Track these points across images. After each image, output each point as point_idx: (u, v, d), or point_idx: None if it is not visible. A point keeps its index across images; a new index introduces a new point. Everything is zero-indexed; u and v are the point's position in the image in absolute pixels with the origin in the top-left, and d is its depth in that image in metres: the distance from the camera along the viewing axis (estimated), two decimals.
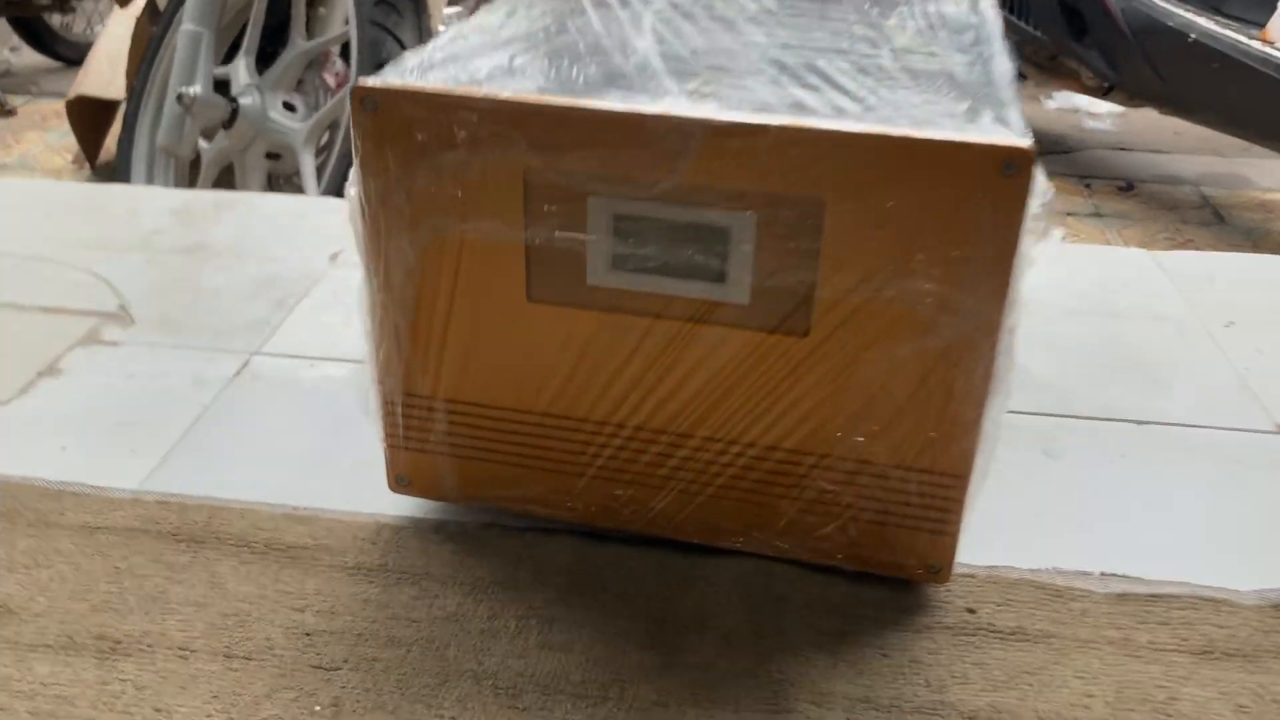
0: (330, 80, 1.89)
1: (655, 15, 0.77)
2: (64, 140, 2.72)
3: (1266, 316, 1.07)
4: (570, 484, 0.72)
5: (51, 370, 0.93)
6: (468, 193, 0.64)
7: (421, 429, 0.73)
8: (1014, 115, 0.60)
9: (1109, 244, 2.31)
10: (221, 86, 1.82)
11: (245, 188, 1.83)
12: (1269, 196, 2.59)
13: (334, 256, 1.15)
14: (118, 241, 1.18)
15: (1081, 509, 0.79)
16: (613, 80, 0.64)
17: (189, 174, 1.89)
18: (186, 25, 1.72)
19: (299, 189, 1.74)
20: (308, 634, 0.67)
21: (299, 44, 1.80)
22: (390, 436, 0.74)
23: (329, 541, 0.74)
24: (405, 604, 0.69)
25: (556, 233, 0.64)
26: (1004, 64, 0.70)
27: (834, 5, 0.82)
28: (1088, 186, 2.66)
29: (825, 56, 0.69)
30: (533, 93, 0.62)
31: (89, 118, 2.39)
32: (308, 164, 1.74)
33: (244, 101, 1.78)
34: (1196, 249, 2.32)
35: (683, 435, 0.69)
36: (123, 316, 1.02)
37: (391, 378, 0.71)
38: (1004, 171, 0.57)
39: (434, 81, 0.63)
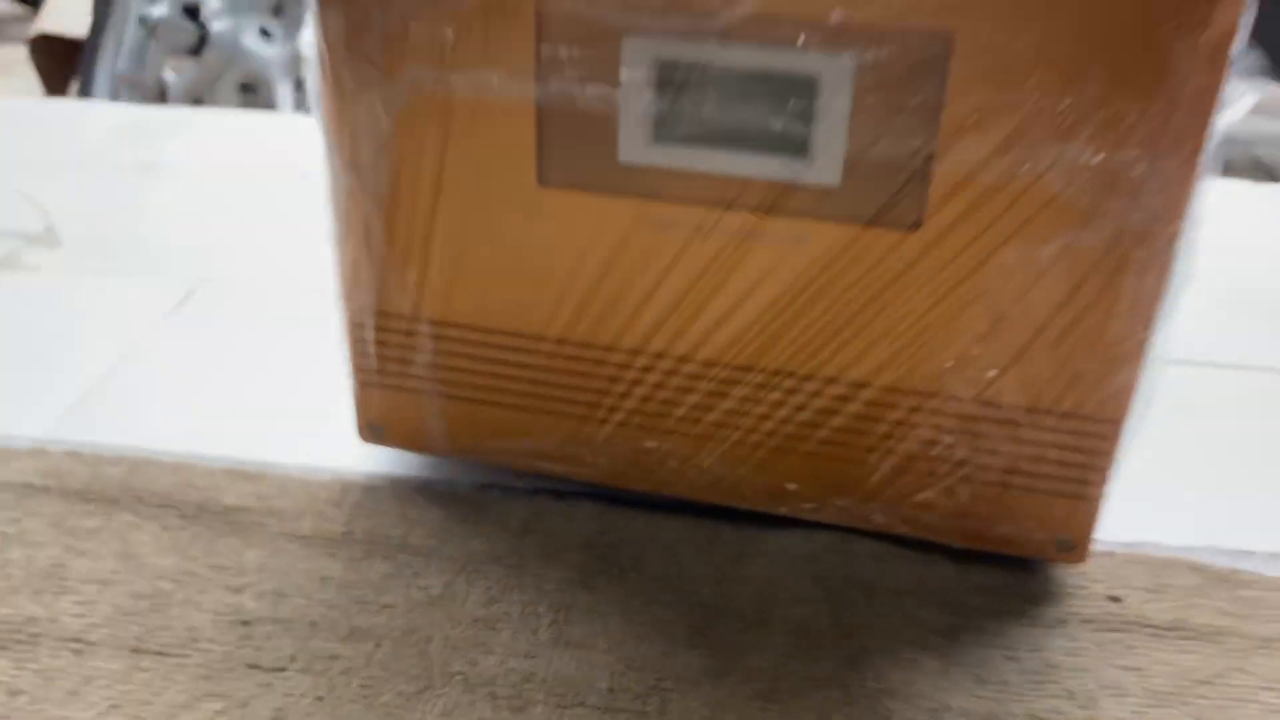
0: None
1: None
2: (31, 85, 2.54)
3: None
4: (593, 433, 0.56)
5: None
6: (460, 32, 0.47)
7: (400, 361, 0.56)
8: None
9: None
10: (192, 13, 1.64)
11: None
12: None
13: (306, 175, 0.98)
14: (53, 159, 1.01)
15: (1234, 473, 0.63)
16: None
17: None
18: None
19: None
20: (245, 623, 0.50)
21: None
22: (360, 371, 0.57)
23: (280, 503, 0.58)
24: (376, 585, 0.53)
25: (579, 88, 0.48)
26: None
27: None
28: None
29: None
30: None
31: (52, 57, 2.21)
32: (285, 97, 1.57)
33: (214, 26, 1.60)
34: None
35: (741, 369, 0.52)
36: (48, 239, 0.85)
37: (361, 291, 0.55)
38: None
39: None
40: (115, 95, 1.69)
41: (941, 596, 0.53)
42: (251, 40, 1.60)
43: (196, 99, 1.67)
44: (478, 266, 0.53)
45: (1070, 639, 0.51)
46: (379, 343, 0.56)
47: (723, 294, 0.51)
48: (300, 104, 1.52)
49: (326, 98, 0.50)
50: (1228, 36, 0.41)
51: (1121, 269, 0.46)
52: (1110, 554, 0.56)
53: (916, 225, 0.47)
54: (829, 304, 0.50)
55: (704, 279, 0.50)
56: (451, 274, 0.53)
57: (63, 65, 2.27)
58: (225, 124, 1.10)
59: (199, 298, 0.78)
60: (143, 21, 1.53)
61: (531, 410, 0.56)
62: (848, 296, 0.49)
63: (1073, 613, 0.52)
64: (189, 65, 1.61)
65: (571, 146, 0.49)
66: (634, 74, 0.47)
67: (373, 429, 0.59)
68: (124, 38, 1.60)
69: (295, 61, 1.57)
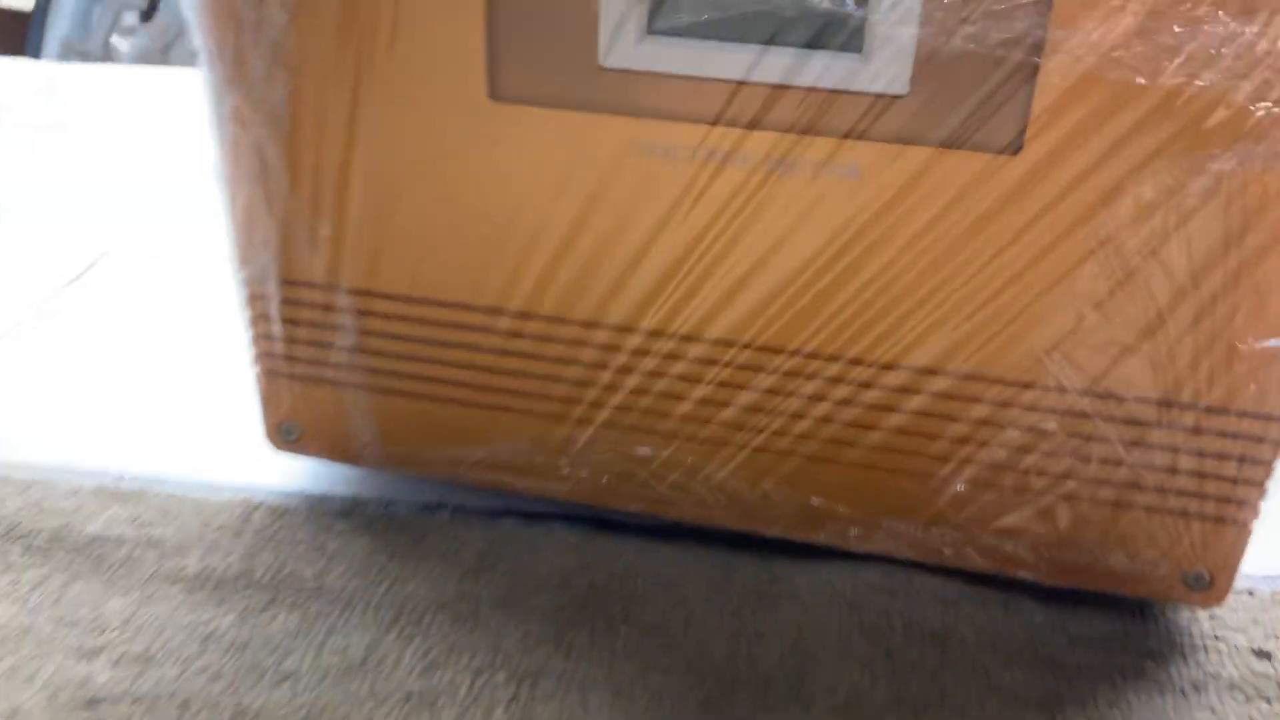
0: None
1: None
2: None
3: None
4: (569, 436, 0.42)
5: None
6: None
7: (316, 344, 0.43)
8: None
9: None
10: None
11: None
12: None
13: None
14: None
15: None
16: None
17: None
18: None
19: None
20: (92, 702, 0.37)
21: None
22: (264, 357, 0.44)
23: (161, 532, 0.44)
24: (277, 645, 0.39)
25: None
26: None
27: None
28: None
29: None
30: None
31: (4, 32, 2.07)
32: None
33: None
34: None
35: (766, 351, 0.39)
36: None
37: (259, 252, 0.41)
38: None
39: None
40: (64, 61, 1.55)
41: (1033, 653, 0.40)
42: None
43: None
44: (413, 216, 0.39)
45: (1208, 710, 0.38)
46: (287, 320, 0.42)
47: (741, 249, 0.37)
48: None
49: None
50: None
51: None
52: (1253, 593, 0.43)
53: (1016, 148, 0.34)
54: (889, 261, 0.36)
55: (716, 228, 0.37)
56: (378, 227, 0.40)
57: (8, 40, 2.13)
58: (151, 81, 0.96)
59: (99, 271, 0.64)
60: None
61: (488, 407, 0.43)
62: (916, 249, 0.36)
63: (1210, 674, 0.39)
64: (140, 31, 1.47)
65: (535, 45, 0.36)
66: None
67: (284, 432, 0.45)
68: (67, 2, 1.46)
69: None
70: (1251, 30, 0.30)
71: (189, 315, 0.60)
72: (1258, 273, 0.34)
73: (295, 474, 0.47)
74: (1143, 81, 0.32)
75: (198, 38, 0.38)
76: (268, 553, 0.43)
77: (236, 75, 0.38)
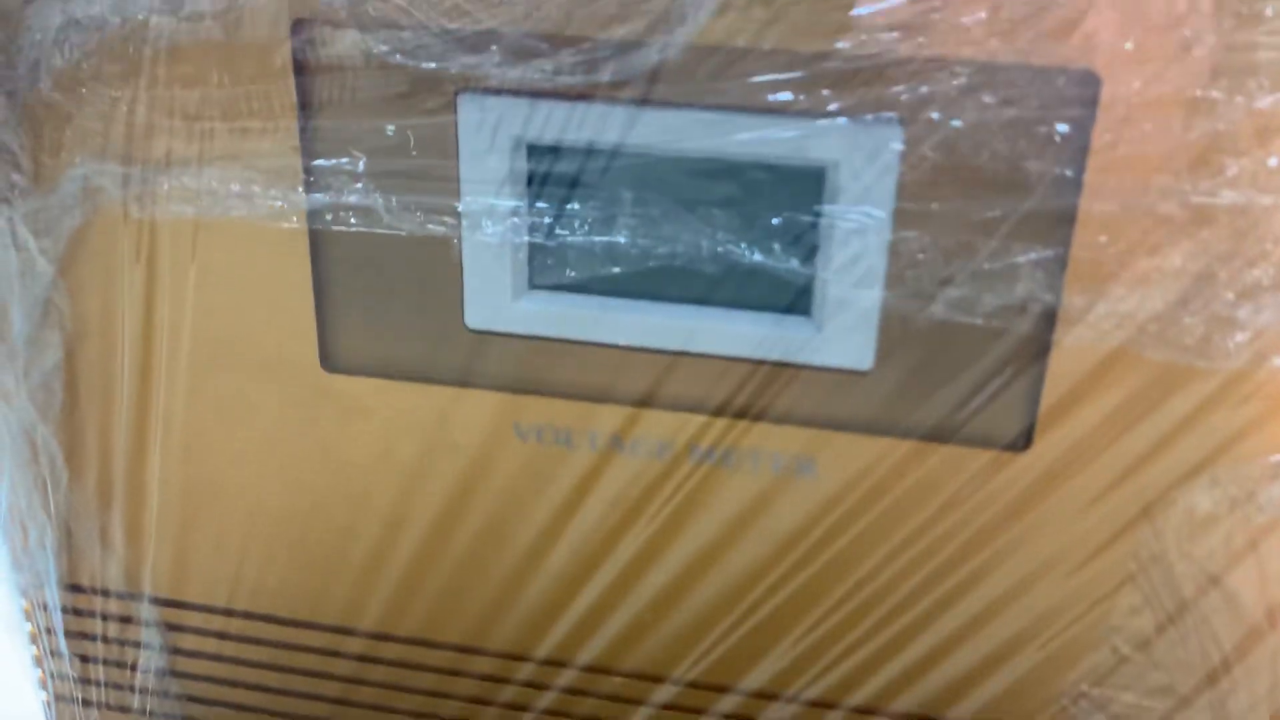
0: None
1: None
2: None
3: None
4: None
5: None
6: (165, 104, 0.26)
7: (116, 663, 0.33)
8: None
9: None
10: None
11: None
12: None
13: None
14: None
15: None
16: None
17: None
18: None
19: None
20: None
21: None
22: (50, 681, 0.34)
23: None
24: None
25: (386, 199, 0.26)
26: None
27: None
28: None
29: None
30: None
31: None
32: None
33: None
34: None
35: (700, 688, 0.29)
36: None
37: (37, 555, 0.31)
38: None
39: None
40: None
41: None
42: None
43: None
44: (230, 510, 0.30)
45: None
46: (75, 635, 0.32)
47: (661, 564, 0.28)
48: None
49: None
50: None
51: None
52: None
53: (1022, 443, 0.25)
54: (856, 583, 0.27)
55: (625, 538, 0.28)
56: (184, 524, 0.30)
57: None
58: None
59: None
60: None
61: None
62: (893, 569, 0.27)
63: None
64: None
65: (380, 302, 0.27)
66: (485, 167, 0.25)
67: None
68: None
69: None
70: None
71: None
72: None
73: None
74: (1194, 362, 0.23)
75: None
76: None
77: None
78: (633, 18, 0.22)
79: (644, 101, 0.23)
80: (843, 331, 0.25)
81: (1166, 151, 0.21)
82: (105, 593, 0.32)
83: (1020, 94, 0.22)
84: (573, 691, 0.30)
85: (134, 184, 0.26)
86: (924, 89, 0.22)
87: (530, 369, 0.27)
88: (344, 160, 0.25)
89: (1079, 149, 0.22)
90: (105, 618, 0.32)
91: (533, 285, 0.26)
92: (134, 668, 0.32)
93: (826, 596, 0.27)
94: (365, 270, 0.26)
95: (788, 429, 0.26)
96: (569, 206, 0.25)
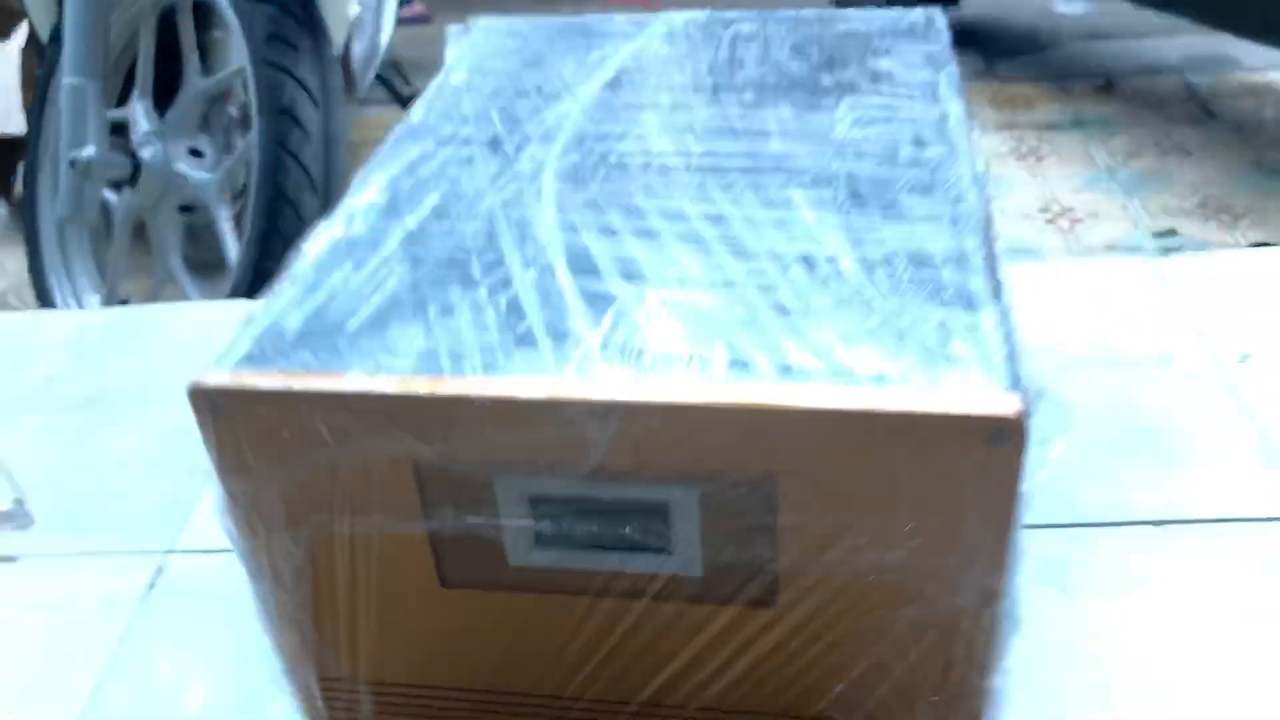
0: (234, 113, 1.74)
1: (555, 175, 0.65)
2: None
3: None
4: None
5: None
6: (350, 488, 0.53)
7: (348, 712, 0.63)
8: (995, 340, 0.49)
9: (1094, 164, 2.18)
10: (120, 129, 1.66)
11: (161, 246, 1.68)
12: (1257, 79, 2.45)
13: None
14: (9, 396, 1.06)
15: (1107, 670, 0.70)
16: (510, 323, 0.53)
17: (104, 229, 1.75)
18: (67, 79, 1.56)
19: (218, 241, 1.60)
20: None
21: (195, 83, 1.64)
22: None
23: None
24: None
25: (462, 519, 0.54)
26: (975, 213, 0.58)
27: (773, 114, 0.69)
28: (1064, 90, 2.52)
29: (757, 231, 0.57)
30: (408, 371, 0.51)
31: None
32: (224, 219, 1.60)
33: (145, 155, 1.62)
34: (1186, 154, 2.19)
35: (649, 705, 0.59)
36: (20, 516, 0.91)
37: (303, 663, 0.61)
38: (989, 443, 0.46)
39: (292, 360, 0.52)
40: (62, 230, 1.72)
41: None
42: (184, 165, 1.62)
43: (139, 220, 1.69)
44: (400, 646, 0.59)
45: None
46: (328, 699, 0.62)
47: (619, 656, 0.57)
48: (238, 217, 1.56)
49: (241, 540, 0.56)
50: (1011, 474, 0.47)
51: (952, 633, 0.52)
52: None
53: (771, 604, 0.53)
54: (707, 661, 0.56)
55: (601, 647, 0.57)
56: (378, 652, 0.59)
57: (3, 161, 2.29)
58: (164, 326, 1.14)
59: (169, 575, 0.84)
60: (73, 165, 1.55)
61: None
62: (721, 656, 0.56)
63: None
64: (128, 192, 1.64)
65: (466, 557, 0.55)
66: (510, 507, 0.53)
67: None
68: (59, 181, 1.62)
69: (226, 183, 1.59)
70: (894, 554, 0.50)
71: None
72: (932, 665, 0.53)
73: None
74: (833, 567, 0.51)
75: (243, 561, 0.57)
76: None
77: (274, 584, 0.57)
78: None
79: None
80: (684, 563, 0.53)
81: None
82: (338, 680, 0.61)
83: None
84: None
85: (335, 522, 0.54)
86: None
87: (544, 580, 0.55)
88: None
89: None
90: (340, 691, 0.62)
91: (536, 547, 0.54)
92: (356, 714, 0.63)
93: (692, 673, 0.56)
94: (457, 546, 0.55)
95: (664, 602, 0.54)
96: (553, 524, 0.53)
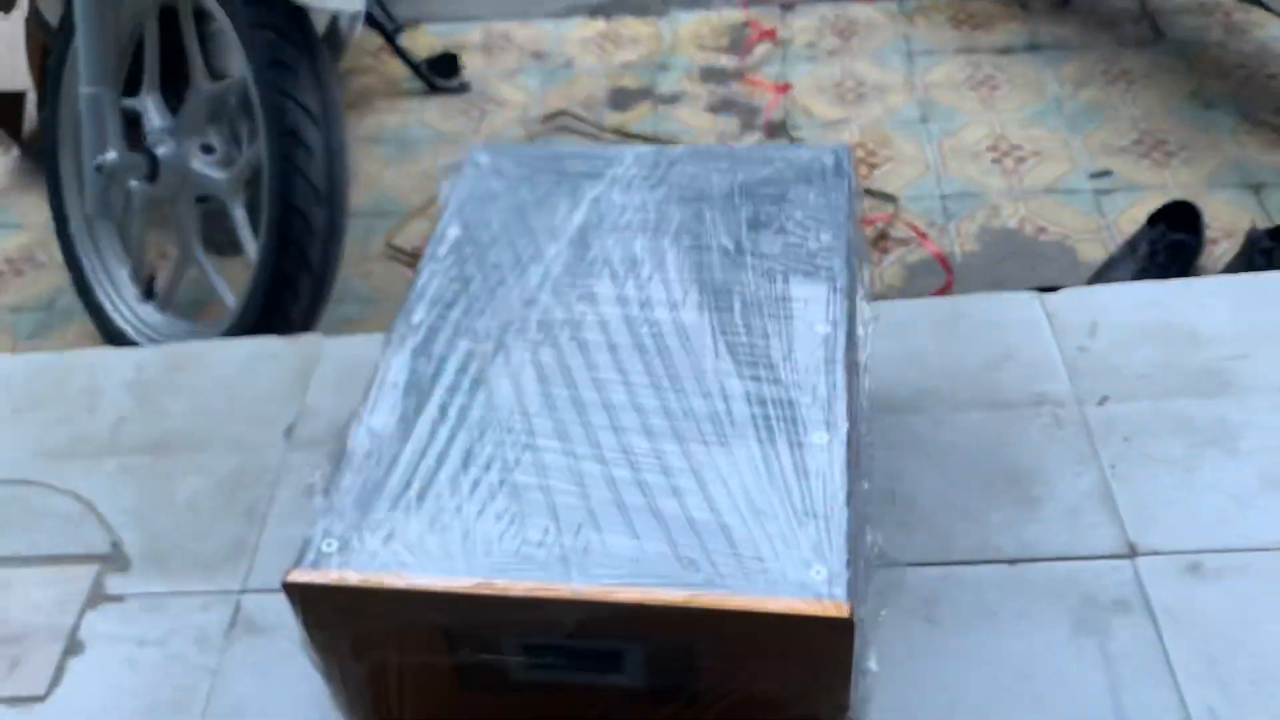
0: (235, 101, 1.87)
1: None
2: None
3: (1135, 386, 1.17)
4: None
5: (74, 647, 1.06)
6: (398, 637, 0.76)
7: None
8: (838, 559, 0.71)
9: (1044, 93, 2.32)
10: (133, 122, 1.81)
11: (182, 233, 1.85)
12: None
13: (289, 431, 1.25)
14: (89, 439, 1.27)
15: (973, 695, 0.94)
16: (517, 525, 0.74)
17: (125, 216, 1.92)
18: (84, 89, 1.70)
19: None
20: None
21: (202, 87, 1.78)
22: None
23: None
24: None
25: (477, 656, 0.77)
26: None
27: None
28: (1023, 6, 2.62)
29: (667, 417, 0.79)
30: (446, 573, 0.72)
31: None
32: (239, 215, 1.76)
33: (161, 152, 1.78)
34: (1130, 83, 2.33)
35: None
36: (118, 558, 1.14)
37: None
38: (828, 629, 0.69)
39: (359, 562, 0.73)
40: (91, 231, 1.88)
41: None
42: (198, 163, 1.76)
43: (162, 210, 1.85)
44: None
45: None
46: None
47: None
48: (253, 223, 1.71)
49: (320, 664, 0.79)
50: (844, 645, 0.69)
51: None
52: None
53: (693, 702, 0.77)
54: None
55: None
56: None
57: (9, 113, 2.44)
58: (211, 368, 1.33)
59: (245, 614, 1.07)
60: (99, 169, 1.70)
61: None
62: None
63: None
64: (146, 184, 1.79)
65: (480, 674, 0.78)
66: (510, 649, 0.76)
67: None
68: (85, 184, 1.78)
69: (240, 179, 1.74)
70: (770, 686, 0.73)
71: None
72: None
73: None
74: (734, 688, 0.75)
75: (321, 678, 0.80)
76: None
77: (341, 688, 0.80)
78: None
79: None
80: (633, 679, 0.76)
81: None
82: None
83: None
84: None
85: (385, 657, 0.77)
86: None
87: (536, 688, 0.79)
88: None
89: None
90: None
91: (530, 669, 0.77)
92: None
93: None
94: (474, 668, 0.78)
95: (621, 702, 0.78)
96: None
